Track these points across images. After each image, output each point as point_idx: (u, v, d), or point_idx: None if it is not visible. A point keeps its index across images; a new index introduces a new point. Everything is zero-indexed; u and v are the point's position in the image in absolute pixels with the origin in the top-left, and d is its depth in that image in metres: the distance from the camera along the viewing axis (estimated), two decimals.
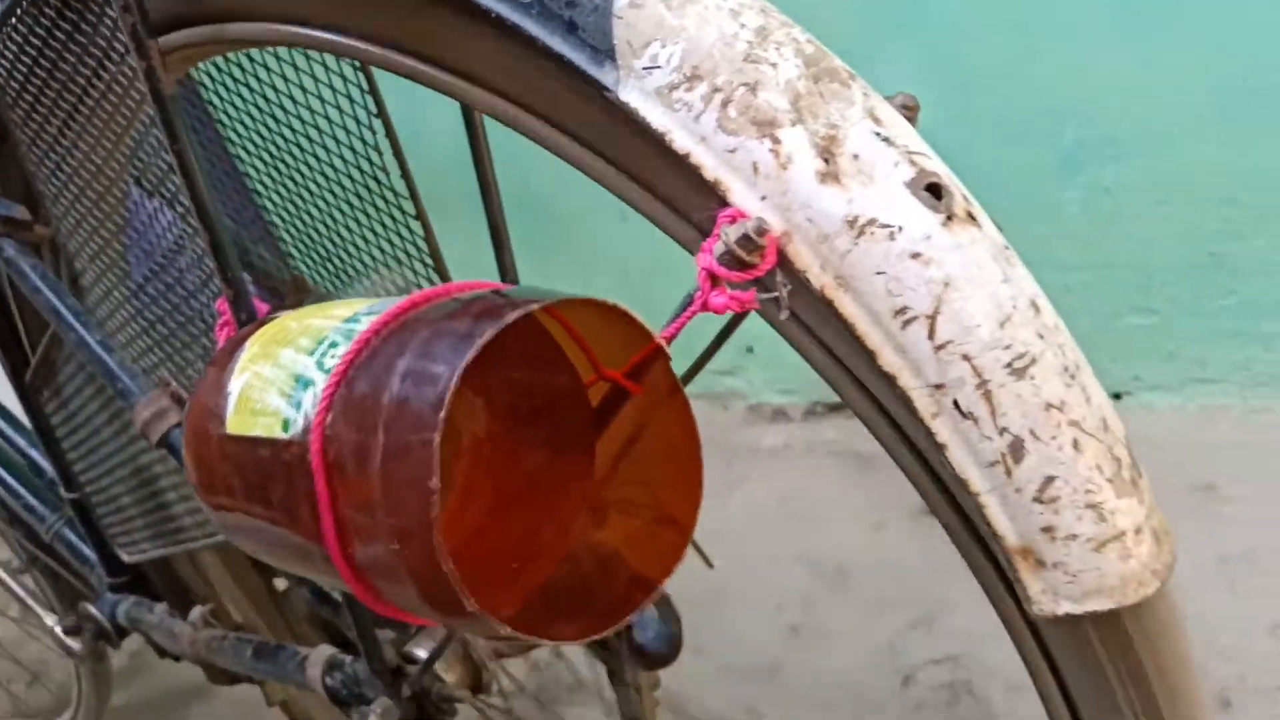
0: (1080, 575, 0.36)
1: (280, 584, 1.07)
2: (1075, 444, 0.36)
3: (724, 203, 0.36)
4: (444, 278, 0.67)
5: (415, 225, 0.65)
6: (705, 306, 0.36)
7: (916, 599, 1.34)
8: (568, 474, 0.44)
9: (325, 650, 0.74)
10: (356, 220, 0.67)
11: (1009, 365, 0.35)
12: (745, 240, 0.34)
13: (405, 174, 0.63)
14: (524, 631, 0.34)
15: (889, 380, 0.36)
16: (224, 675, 0.97)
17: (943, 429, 0.36)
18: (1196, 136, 1.27)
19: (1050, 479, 0.36)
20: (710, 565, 0.66)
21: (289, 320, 0.43)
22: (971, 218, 0.36)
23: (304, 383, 0.38)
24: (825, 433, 1.75)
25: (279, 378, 0.39)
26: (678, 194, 0.39)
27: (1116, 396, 1.50)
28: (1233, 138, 1.25)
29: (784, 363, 1.80)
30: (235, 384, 0.42)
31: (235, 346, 0.45)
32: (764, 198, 0.35)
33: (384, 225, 0.67)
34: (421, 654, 0.68)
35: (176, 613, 0.98)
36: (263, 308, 0.55)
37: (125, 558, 0.95)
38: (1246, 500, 1.25)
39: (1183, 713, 0.41)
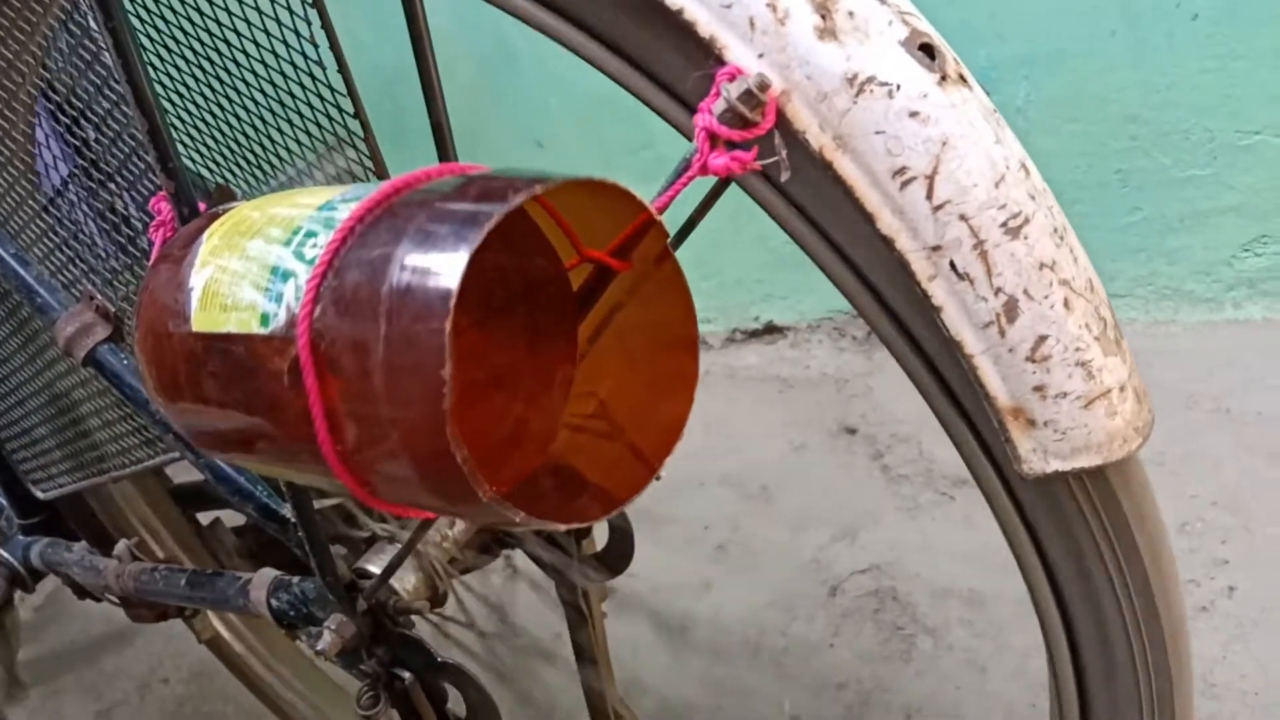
0: (1070, 432, 0.37)
1: (204, 517, 1.04)
2: (1066, 303, 0.36)
3: (720, 61, 0.35)
4: (383, 179, 0.65)
5: (354, 124, 0.63)
6: (704, 169, 0.35)
7: (839, 514, 1.37)
8: (550, 361, 0.43)
9: (269, 572, 0.72)
10: (289, 121, 0.64)
11: (1004, 225, 0.35)
12: (748, 96, 0.33)
13: (343, 68, 0.60)
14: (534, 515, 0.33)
15: (887, 243, 0.36)
16: (149, 612, 0.93)
17: (939, 291, 0.36)
18: (1105, 56, 1.30)
19: (1043, 338, 0.36)
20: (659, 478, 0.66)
21: (247, 210, 0.41)
22: (963, 79, 0.36)
23: (282, 274, 0.36)
24: (745, 359, 1.77)
25: (250, 270, 0.37)
26: (667, 58, 0.38)
27: None
28: (1141, 57, 1.28)
29: (701, 290, 1.81)
30: (196, 279, 0.40)
31: (189, 240, 0.42)
32: (761, 55, 0.35)
33: (319, 126, 0.64)
34: (374, 569, 0.67)
35: (96, 550, 0.94)
36: (201, 206, 0.52)
37: (40, 494, 0.90)
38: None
39: (1165, 568, 0.42)
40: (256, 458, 0.41)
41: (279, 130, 0.64)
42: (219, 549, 0.98)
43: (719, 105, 0.34)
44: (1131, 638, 0.44)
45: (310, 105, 0.64)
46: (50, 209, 0.64)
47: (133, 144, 0.57)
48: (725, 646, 1.21)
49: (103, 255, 0.64)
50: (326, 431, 0.35)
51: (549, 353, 0.43)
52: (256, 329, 0.36)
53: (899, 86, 0.35)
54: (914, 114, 0.35)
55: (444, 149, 0.66)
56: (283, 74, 0.62)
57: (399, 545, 0.68)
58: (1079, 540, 0.42)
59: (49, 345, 0.73)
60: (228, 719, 1.39)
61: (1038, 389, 0.37)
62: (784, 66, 0.34)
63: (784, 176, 0.35)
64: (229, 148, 0.65)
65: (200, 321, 0.39)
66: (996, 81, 1.34)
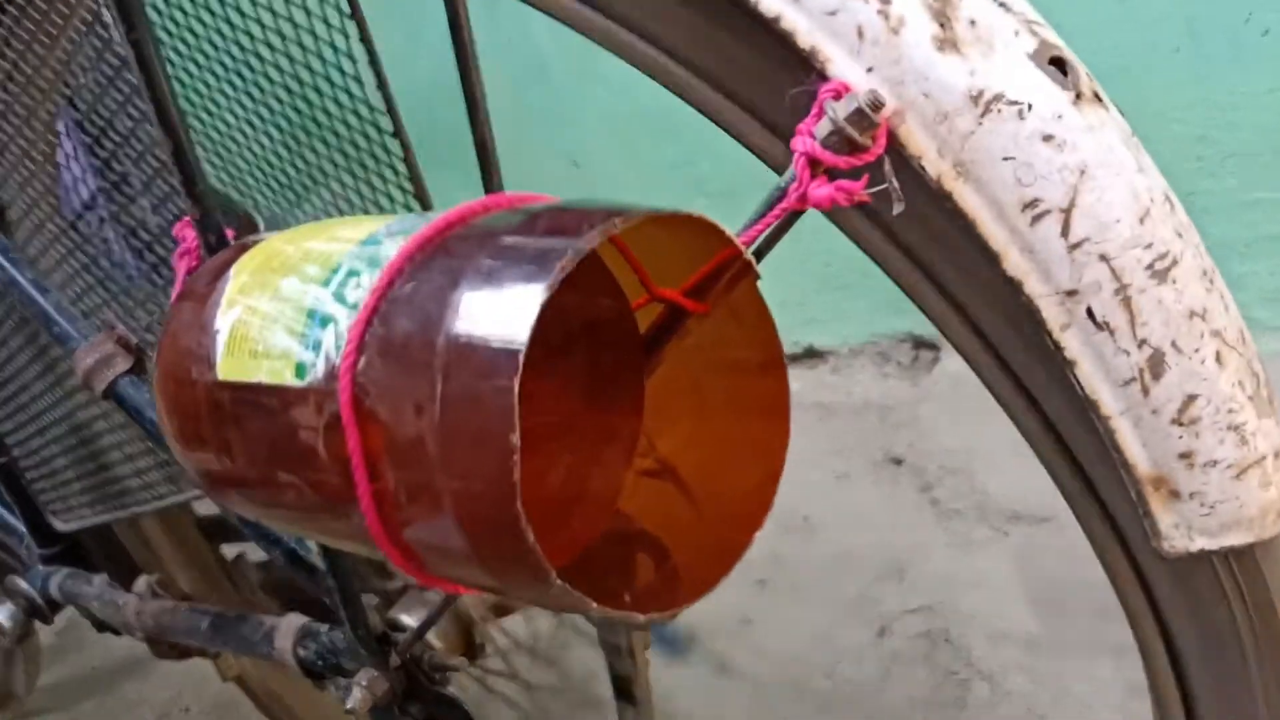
0: (1219, 506, 0.32)
1: (228, 551, 1.00)
2: (1218, 357, 0.31)
3: (822, 76, 0.30)
4: (424, 204, 0.61)
5: (394, 144, 0.59)
6: (803, 201, 0.30)
7: (886, 549, 1.31)
8: (613, 411, 0.38)
9: (296, 619, 0.68)
10: (324, 140, 0.60)
11: (1150, 267, 0.30)
12: (858, 116, 0.29)
13: (382, 84, 0.56)
14: (604, 602, 0.29)
15: (1013, 286, 0.31)
16: (172, 649, 0.89)
17: (1073, 342, 0.31)
18: (1169, 71, 1.24)
19: (1192, 397, 0.31)
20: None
21: (279, 244, 0.37)
22: (1098, 98, 0.32)
23: (321, 319, 0.31)
24: None
25: (284, 313, 0.33)
26: (752, 73, 0.33)
27: None
28: (1206, 74, 1.23)
29: None
30: (223, 321, 0.35)
31: (214, 275, 0.38)
32: (871, 69, 0.30)
33: (356, 146, 0.60)
34: (409, 620, 0.63)
35: (117, 584, 0.90)
36: (228, 234, 0.48)
37: (60, 526, 0.86)
38: None
39: None
40: (285, 518, 0.36)
41: (313, 150, 0.60)
42: (244, 584, 0.94)
43: (822, 127, 0.30)
44: None
45: (346, 124, 0.60)
46: (71, 232, 0.61)
47: (158, 164, 0.53)
48: (767, 687, 1.16)
49: (125, 283, 0.60)
50: (370, 499, 0.30)
51: (611, 402, 0.38)
52: (291, 380, 0.32)
53: (1030, 106, 0.30)
54: (1048, 138, 0.30)
55: (489, 172, 0.61)
56: (318, 90, 0.58)
57: (436, 596, 0.64)
58: (1216, 625, 0.36)
59: (69, 374, 0.69)
60: None
61: (1184, 456, 0.32)
62: (897, 82, 0.30)
63: (897, 210, 0.30)
64: (260, 169, 0.62)
65: (227, 369, 0.35)
66: None
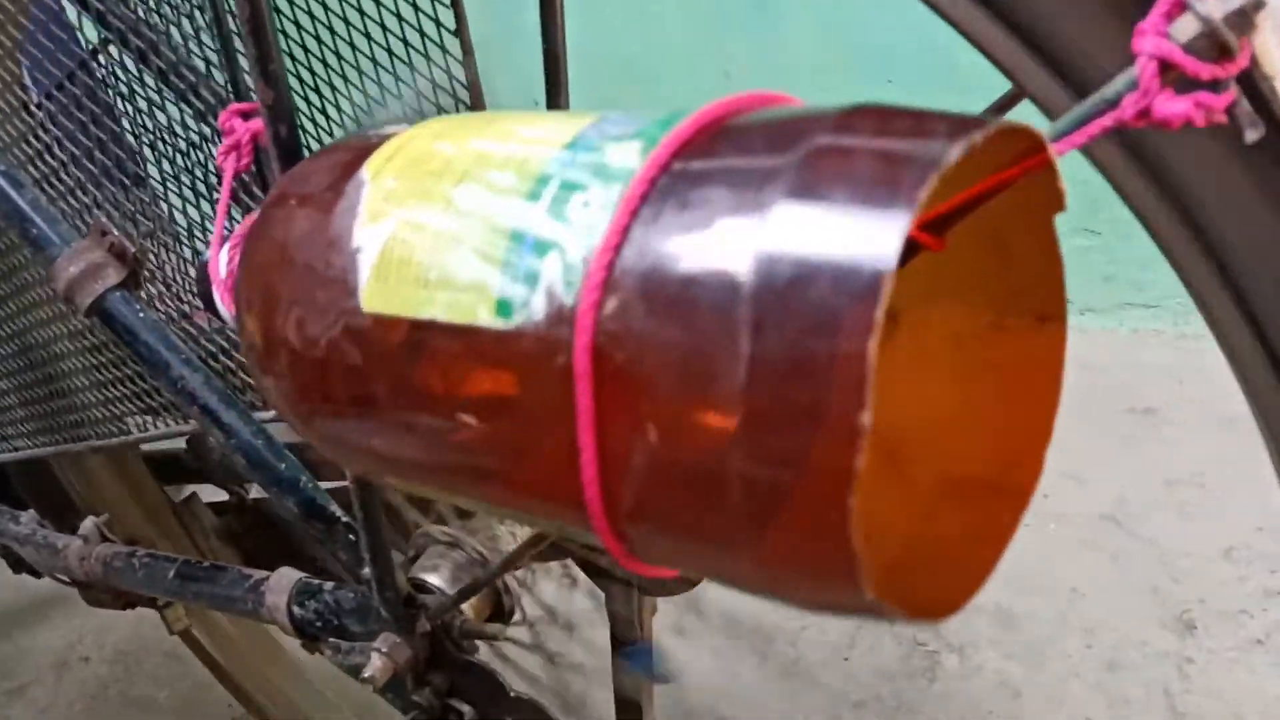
0: None
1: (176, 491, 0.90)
2: None
3: None
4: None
5: (452, 42, 0.51)
6: (1144, 116, 0.24)
7: None
8: None
9: (291, 574, 0.60)
10: (378, 28, 0.51)
11: None
12: (1238, 16, 0.23)
13: None
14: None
15: None
16: (116, 598, 0.80)
17: None
18: None
19: None
20: None
21: (425, 142, 0.29)
22: None
23: (535, 244, 0.24)
24: None
25: (471, 233, 0.26)
26: None
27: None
28: None
29: None
30: (366, 236, 0.28)
31: (335, 176, 0.30)
32: None
33: (405, 41, 0.52)
34: (435, 581, 0.56)
35: (48, 523, 0.80)
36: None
37: None
38: (1186, 424, 1.26)
39: None
40: (433, 483, 0.29)
41: (366, 36, 0.51)
42: (196, 529, 0.85)
43: (1185, 26, 0.24)
44: None
45: (398, 15, 0.51)
46: (51, 109, 0.51)
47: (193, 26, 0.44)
48: (731, 655, 1.12)
49: (123, 181, 0.51)
50: (596, 473, 0.24)
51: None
52: (488, 320, 0.25)
53: None
54: None
55: (556, 88, 0.54)
56: None
57: (464, 554, 0.57)
58: None
59: (33, 284, 0.60)
60: (158, 706, 1.25)
61: None
62: None
63: (1253, 136, 0.25)
64: (297, 55, 0.52)
65: (377, 299, 0.27)
66: None
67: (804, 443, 0.21)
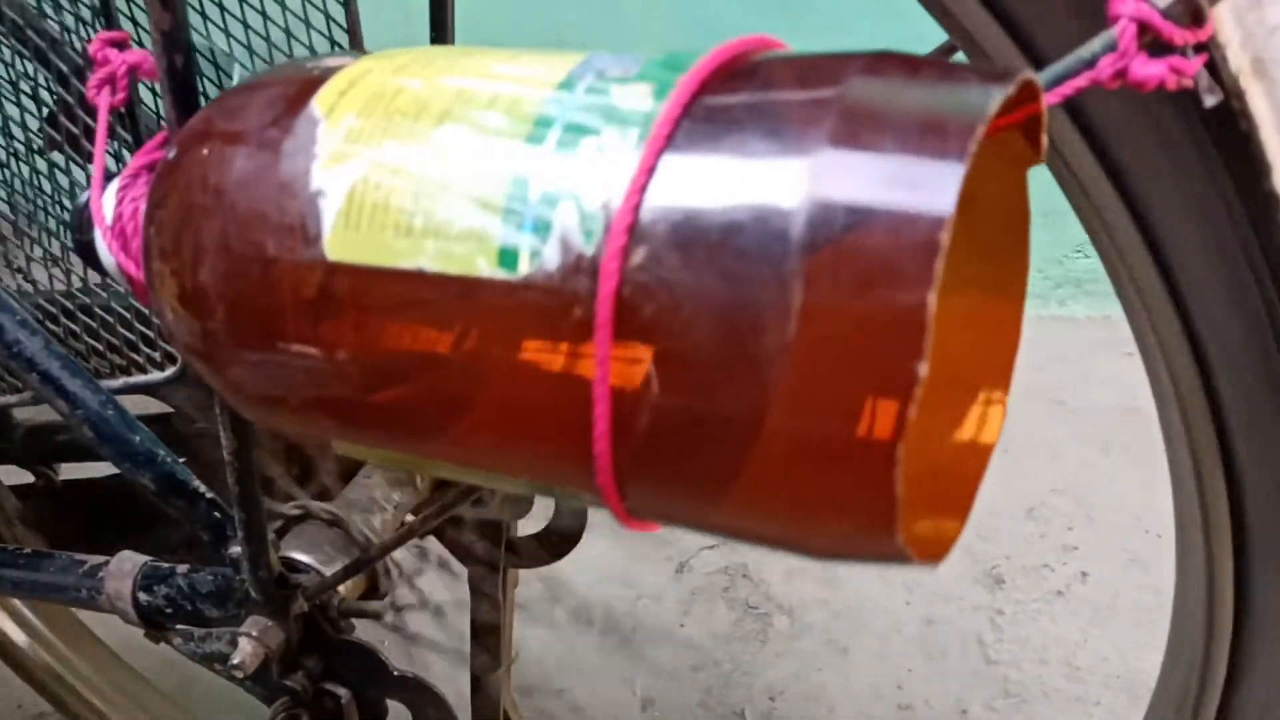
0: None
1: None
2: None
3: None
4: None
5: None
6: (1119, 77, 0.25)
7: None
8: None
9: (134, 557, 0.56)
10: None
11: None
12: None
13: None
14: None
15: (1272, 203, 0.28)
16: None
17: None
18: None
19: None
20: None
21: (385, 75, 0.27)
22: None
23: (544, 192, 0.23)
24: None
25: (465, 178, 0.24)
26: None
27: None
28: None
29: None
30: (328, 179, 0.26)
31: (278, 111, 0.28)
32: None
33: None
34: (306, 559, 0.52)
35: None
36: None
37: None
38: None
39: None
40: (393, 444, 0.27)
41: None
42: None
43: None
44: None
45: None
46: None
47: None
48: (567, 627, 1.12)
49: None
50: (608, 437, 0.23)
51: None
52: (488, 271, 0.23)
53: None
54: None
55: (441, 28, 0.51)
56: None
57: (336, 530, 0.54)
58: None
59: None
60: None
61: None
62: None
63: (1212, 102, 0.27)
64: None
65: (345, 247, 0.25)
66: None
67: (856, 395, 0.20)
